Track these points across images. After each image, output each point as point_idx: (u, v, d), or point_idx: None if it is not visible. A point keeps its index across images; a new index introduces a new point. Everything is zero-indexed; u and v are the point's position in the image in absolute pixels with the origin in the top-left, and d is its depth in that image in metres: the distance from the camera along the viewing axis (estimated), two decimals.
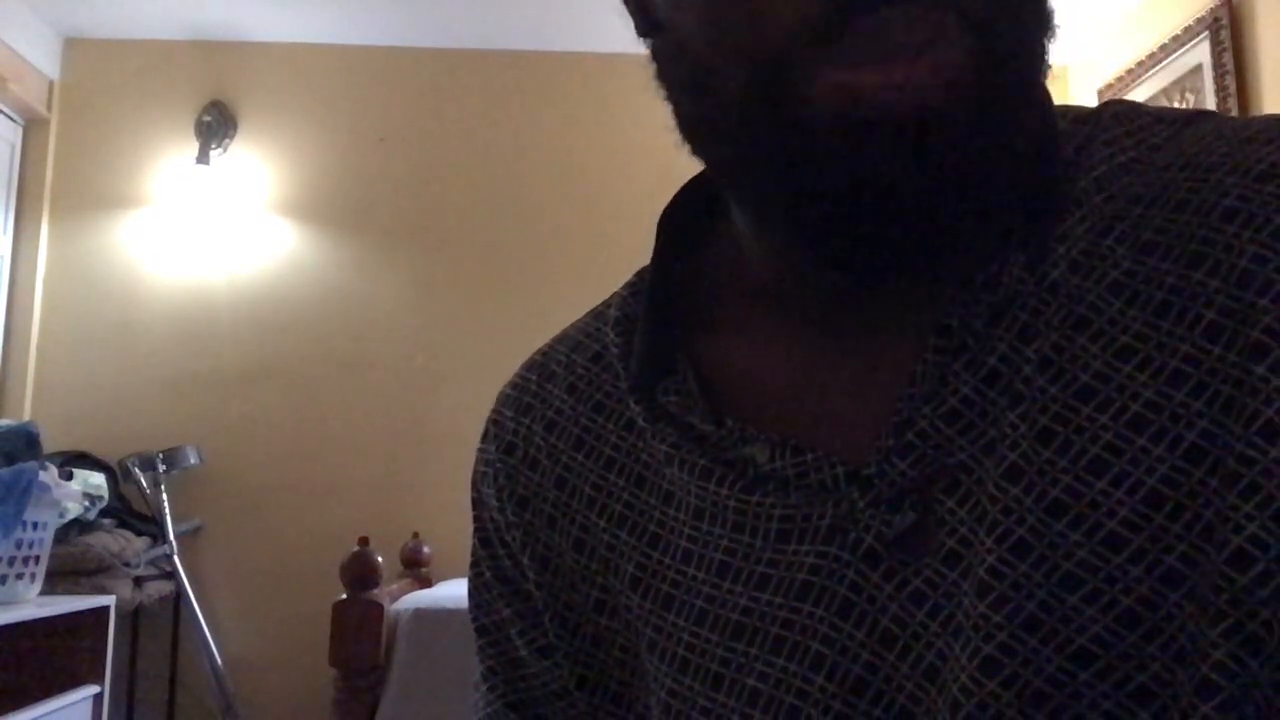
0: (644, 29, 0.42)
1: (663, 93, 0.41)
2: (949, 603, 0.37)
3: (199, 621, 2.77)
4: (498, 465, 0.51)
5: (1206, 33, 2.62)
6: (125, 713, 2.85)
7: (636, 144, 2.99)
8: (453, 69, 3.32)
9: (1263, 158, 0.36)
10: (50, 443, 2.54)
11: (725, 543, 0.42)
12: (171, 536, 2.80)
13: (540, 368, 0.52)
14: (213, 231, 3.18)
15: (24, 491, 1.95)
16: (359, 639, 2.18)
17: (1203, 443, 0.34)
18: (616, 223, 3.10)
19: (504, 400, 0.53)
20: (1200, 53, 2.65)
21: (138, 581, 2.67)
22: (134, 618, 2.86)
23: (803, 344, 0.43)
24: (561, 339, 0.53)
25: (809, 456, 0.40)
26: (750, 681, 0.40)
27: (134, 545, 2.70)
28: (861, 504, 0.39)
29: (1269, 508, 0.32)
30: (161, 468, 2.87)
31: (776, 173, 0.36)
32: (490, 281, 3.23)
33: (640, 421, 0.46)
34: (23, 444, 2.14)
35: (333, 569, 2.28)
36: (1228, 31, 2.57)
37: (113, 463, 2.91)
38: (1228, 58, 2.56)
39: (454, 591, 2.42)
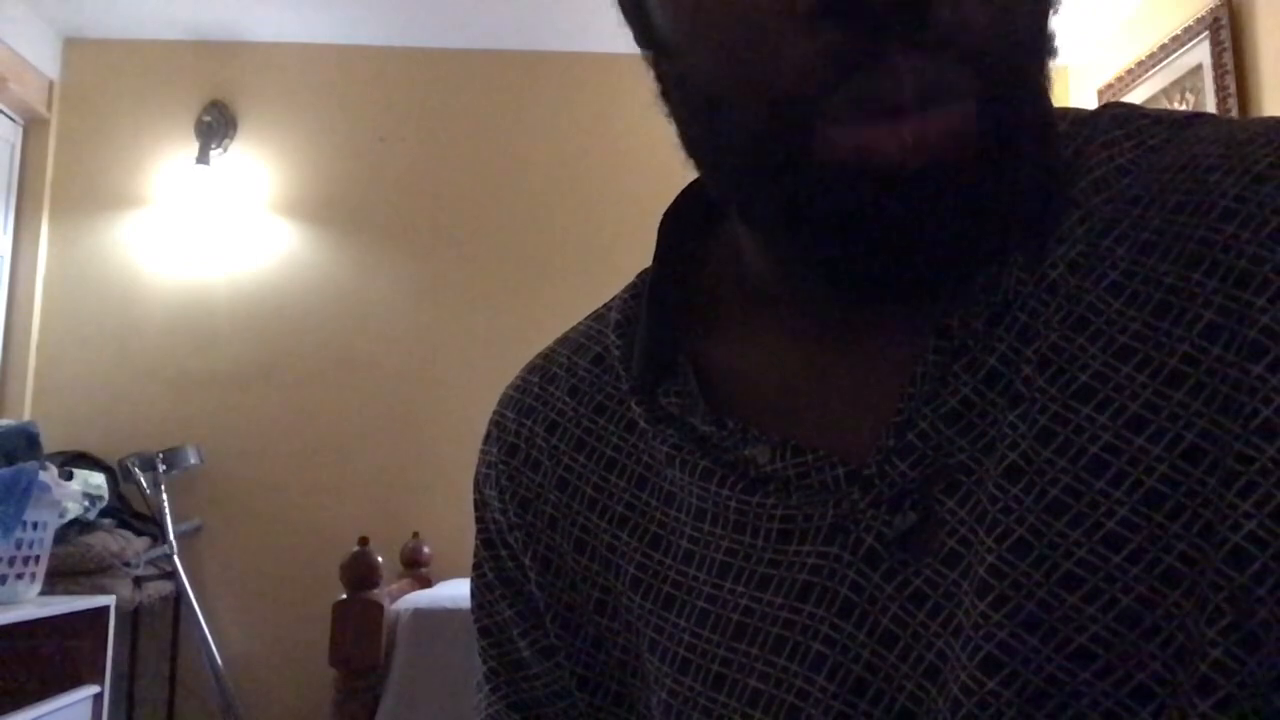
0: (644, 43, 0.43)
1: (666, 110, 0.42)
2: (949, 602, 0.37)
3: (199, 621, 2.77)
4: (500, 467, 0.51)
5: (1206, 33, 2.62)
6: (125, 713, 2.85)
7: (637, 144, 2.99)
8: (453, 69, 3.32)
9: (1260, 159, 0.37)
10: (50, 443, 2.55)
11: (726, 543, 0.42)
12: (171, 536, 2.80)
13: (542, 370, 0.53)
14: (213, 231, 3.18)
15: (24, 491, 1.95)
16: (359, 639, 2.18)
17: (1201, 442, 0.34)
18: (617, 222, 3.10)
19: (506, 402, 0.53)
20: (1200, 53, 2.65)
21: (138, 581, 2.67)
22: (134, 618, 2.86)
23: (803, 345, 0.44)
24: (562, 342, 0.54)
25: (810, 457, 0.40)
26: (751, 682, 0.40)
27: (134, 545, 2.70)
28: (862, 504, 0.39)
29: (1267, 506, 0.32)
30: (161, 468, 2.86)
31: (786, 209, 0.37)
32: (490, 281, 3.23)
33: (641, 423, 0.46)
34: (23, 444, 2.15)
35: (333, 569, 2.28)
36: (1228, 31, 2.56)
37: (113, 463, 2.91)
38: (1228, 58, 2.56)
39: (454, 591, 2.42)
